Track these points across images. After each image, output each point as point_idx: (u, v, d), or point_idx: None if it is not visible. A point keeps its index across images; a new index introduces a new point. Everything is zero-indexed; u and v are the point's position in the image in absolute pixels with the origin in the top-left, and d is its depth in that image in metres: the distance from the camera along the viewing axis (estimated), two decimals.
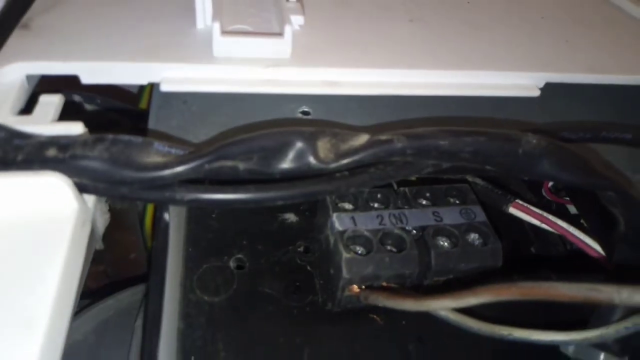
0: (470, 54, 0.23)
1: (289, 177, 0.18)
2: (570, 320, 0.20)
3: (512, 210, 0.26)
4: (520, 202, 0.26)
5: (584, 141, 0.21)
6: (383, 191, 0.23)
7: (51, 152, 0.18)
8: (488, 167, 0.19)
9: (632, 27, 0.28)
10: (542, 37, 0.25)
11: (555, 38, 0.25)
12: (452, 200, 0.24)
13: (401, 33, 0.24)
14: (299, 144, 0.18)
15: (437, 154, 0.19)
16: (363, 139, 0.19)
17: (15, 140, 0.18)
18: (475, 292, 0.18)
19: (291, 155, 0.18)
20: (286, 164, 0.18)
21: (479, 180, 0.27)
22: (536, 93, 0.22)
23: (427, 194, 0.24)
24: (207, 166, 0.18)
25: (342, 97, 0.22)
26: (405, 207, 0.23)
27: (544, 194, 0.27)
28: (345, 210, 0.22)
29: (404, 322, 0.22)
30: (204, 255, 0.24)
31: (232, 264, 0.24)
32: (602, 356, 0.20)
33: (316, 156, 0.18)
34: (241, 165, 0.18)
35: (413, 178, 0.24)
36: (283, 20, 0.21)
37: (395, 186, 0.24)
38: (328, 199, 0.22)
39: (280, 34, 0.21)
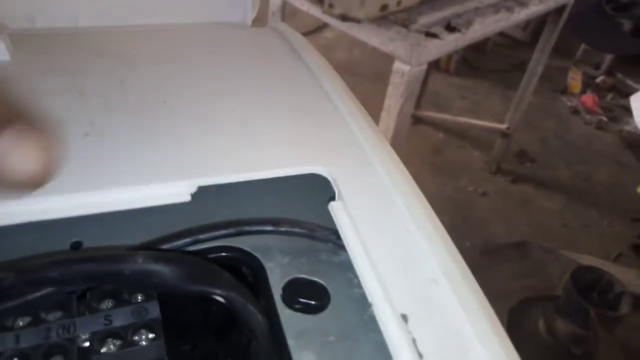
0: (130, 167, 0.25)
1: None
2: None
3: None
4: None
5: (217, 238, 0.24)
6: (64, 301, 0.25)
7: None
8: (105, 285, 0.21)
9: (321, 118, 0.32)
10: (211, 134, 0.28)
11: (223, 135, 0.28)
12: (135, 297, 0.26)
13: (71, 149, 0.26)
14: None
15: (51, 283, 0.21)
16: None
17: None
18: None
19: None
20: None
21: None
22: (187, 198, 0.25)
23: (111, 295, 0.26)
24: None
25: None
26: (85, 313, 0.25)
27: None
28: (13, 329, 0.24)
29: None
30: None
31: None
32: None
33: None
34: None
35: None
36: None
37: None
38: None
39: None
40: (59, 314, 0.25)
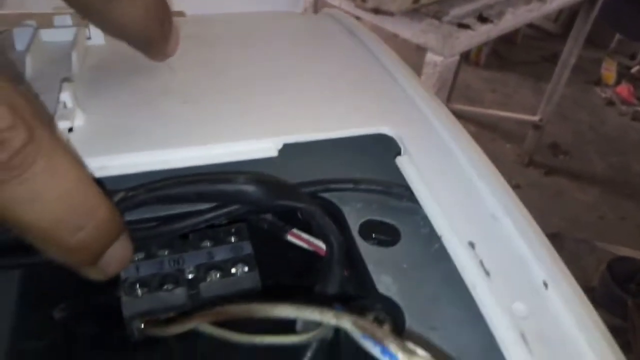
0: (224, 128, 0.30)
1: None
2: None
3: (290, 237, 0.32)
4: (295, 231, 0.32)
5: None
6: (170, 242, 0.29)
7: None
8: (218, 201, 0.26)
9: (378, 85, 0.35)
10: (289, 101, 0.32)
11: (299, 102, 0.32)
12: (230, 238, 0.30)
13: (173, 114, 0.30)
14: None
15: (171, 200, 0.25)
16: (119, 195, 0.25)
17: None
18: (197, 317, 0.24)
19: None
20: None
21: (268, 216, 0.34)
22: (275, 154, 0.29)
23: (211, 236, 0.30)
24: None
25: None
26: (190, 250, 0.29)
27: None
28: (133, 261, 0.28)
29: (192, 343, 0.29)
30: (32, 307, 0.29)
31: (56, 313, 0.29)
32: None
33: None
34: None
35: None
36: None
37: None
38: None
39: None
40: (167, 251, 0.29)
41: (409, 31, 1.28)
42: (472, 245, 0.24)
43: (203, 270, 0.28)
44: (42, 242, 0.20)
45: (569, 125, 2.41)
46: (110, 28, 0.29)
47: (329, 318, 0.19)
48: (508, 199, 0.26)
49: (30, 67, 0.33)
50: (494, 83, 2.66)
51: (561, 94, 1.97)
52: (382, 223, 0.29)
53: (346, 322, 0.19)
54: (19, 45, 0.35)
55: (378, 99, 0.34)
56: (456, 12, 1.32)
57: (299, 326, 0.27)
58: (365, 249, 0.27)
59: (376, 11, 1.28)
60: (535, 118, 2.06)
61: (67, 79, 0.30)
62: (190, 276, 0.28)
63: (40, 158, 0.18)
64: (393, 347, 0.17)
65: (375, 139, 0.31)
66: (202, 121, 0.30)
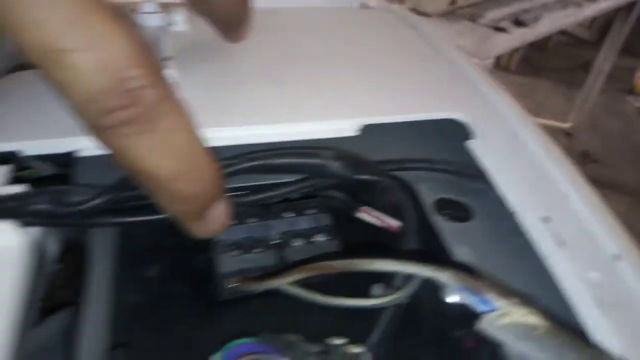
0: (311, 108, 0.32)
1: None
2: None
3: (359, 214, 0.35)
4: (365, 208, 0.35)
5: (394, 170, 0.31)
6: (257, 210, 0.32)
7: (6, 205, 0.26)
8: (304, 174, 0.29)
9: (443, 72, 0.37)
10: (365, 87, 0.35)
11: (374, 87, 0.35)
12: (309, 211, 0.33)
13: (262, 95, 0.33)
14: None
15: (270, 169, 0.28)
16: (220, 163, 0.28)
17: None
18: (299, 270, 0.27)
19: None
20: None
21: (339, 194, 0.36)
22: (354, 133, 0.31)
23: (292, 208, 0.33)
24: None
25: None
26: (275, 219, 0.32)
27: None
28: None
29: (278, 301, 0.31)
30: (130, 267, 0.32)
31: (151, 273, 0.32)
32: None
33: None
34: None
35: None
36: None
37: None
38: None
39: None
40: (255, 219, 0.32)
41: (445, 33, 1.30)
42: (545, 220, 0.26)
43: (288, 237, 0.31)
44: (158, 191, 0.22)
45: (600, 134, 2.38)
46: (201, 5, 0.32)
47: (428, 271, 0.22)
48: (577, 179, 0.28)
49: None
50: (524, 89, 2.64)
51: (593, 102, 1.95)
52: (454, 201, 0.31)
53: (445, 275, 0.21)
54: None
55: (447, 87, 0.36)
56: (492, 15, 1.33)
57: (374, 292, 0.29)
58: (440, 223, 0.29)
59: (413, 12, 1.30)
60: (566, 125, 2.04)
61: (166, 58, 0.33)
62: (277, 241, 0.31)
63: (168, 113, 0.20)
64: (493, 296, 0.19)
65: (442, 124, 0.33)
66: (288, 102, 0.33)
